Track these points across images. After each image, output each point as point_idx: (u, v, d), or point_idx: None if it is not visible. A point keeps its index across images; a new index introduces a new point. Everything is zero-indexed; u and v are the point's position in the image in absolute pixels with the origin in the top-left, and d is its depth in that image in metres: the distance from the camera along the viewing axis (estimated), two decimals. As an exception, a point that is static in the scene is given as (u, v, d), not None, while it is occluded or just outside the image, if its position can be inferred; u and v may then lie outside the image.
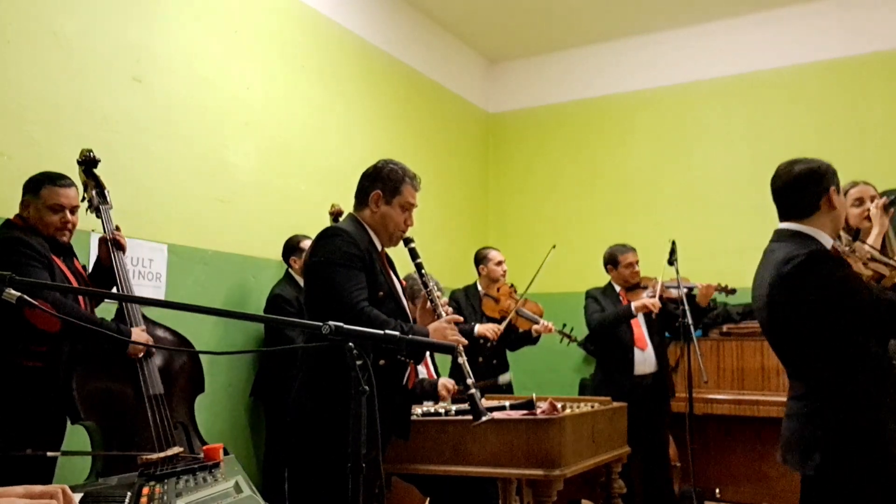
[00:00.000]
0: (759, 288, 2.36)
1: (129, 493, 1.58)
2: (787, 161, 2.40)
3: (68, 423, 2.88)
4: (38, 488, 1.27)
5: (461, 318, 2.73)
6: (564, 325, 4.73)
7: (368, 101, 5.46)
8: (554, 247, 4.78)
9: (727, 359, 5.36)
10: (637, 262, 4.62)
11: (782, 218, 2.39)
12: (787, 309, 2.24)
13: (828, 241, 2.30)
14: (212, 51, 4.20)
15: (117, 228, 3.06)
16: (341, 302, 2.46)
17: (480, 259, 4.81)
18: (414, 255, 2.82)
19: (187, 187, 3.99)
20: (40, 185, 2.81)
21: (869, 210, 2.89)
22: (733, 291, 4.68)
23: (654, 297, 4.42)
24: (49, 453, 2.49)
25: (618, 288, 4.66)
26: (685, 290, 4.47)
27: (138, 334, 2.84)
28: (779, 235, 2.37)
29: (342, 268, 2.51)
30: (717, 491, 5.24)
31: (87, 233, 3.33)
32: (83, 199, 3.03)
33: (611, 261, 4.68)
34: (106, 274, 3.03)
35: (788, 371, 2.37)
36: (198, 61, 4.10)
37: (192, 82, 4.06)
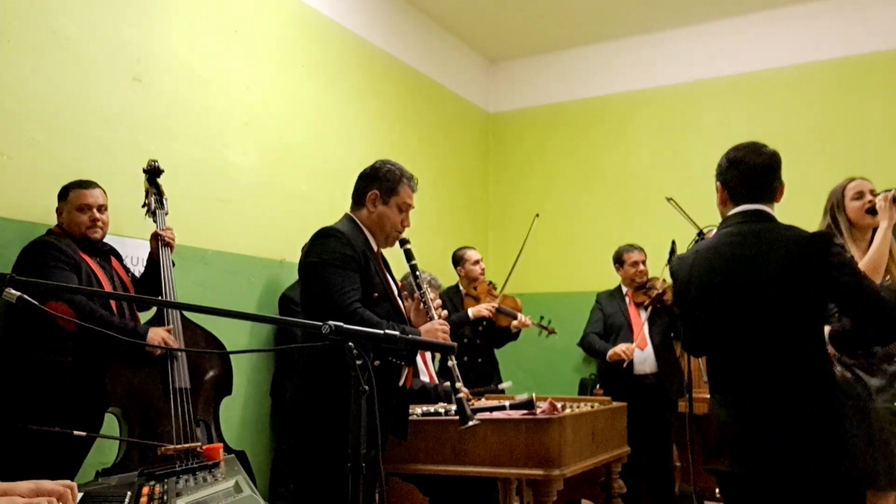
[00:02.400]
0: (759, 267, 2.19)
1: (129, 493, 1.58)
2: (748, 143, 2.34)
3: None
4: (48, 484, 1.26)
5: (447, 326, 2.75)
6: (542, 318, 4.77)
7: (368, 101, 5.46)
8: (538, 215, 4.80)
9: (727, 359, 5.34)
10: (643, 262, 4.69)
11: (751, 199, 2.29)
12: (810, 287, 2.14)
13: None
14: (212, 51, 4.19)
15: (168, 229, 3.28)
16: (334, 303, 2.46)
17: (457, 260, 4.85)
18: (409, 256, 2.84)
19: (187, 187, 3.99)
20: (68, 191, 3.03)
21: (872, 203, 2.89)
22: None
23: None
24: (75, 432, 2.54)
25: (625, 289, 4.72)
26: None
27: (157, 333, 2.94)
28: (757, 216, 2.27)
29: (336, 268, 2.52)
30: (718, 491, 5.23)
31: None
32: (143, 204, 3.31)
33: (617, 259, 4.75)
34: (157, 267, 3.22)
35: (770, 363, 2.16)
36: (198, 61, 4.10)
37: (192, 82, 4.06)
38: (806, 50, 5.87)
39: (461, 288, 4.79)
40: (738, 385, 2.21)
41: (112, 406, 2.90)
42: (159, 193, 3.34)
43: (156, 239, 3.23)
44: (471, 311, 4.52)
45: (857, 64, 5.69)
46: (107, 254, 3.10)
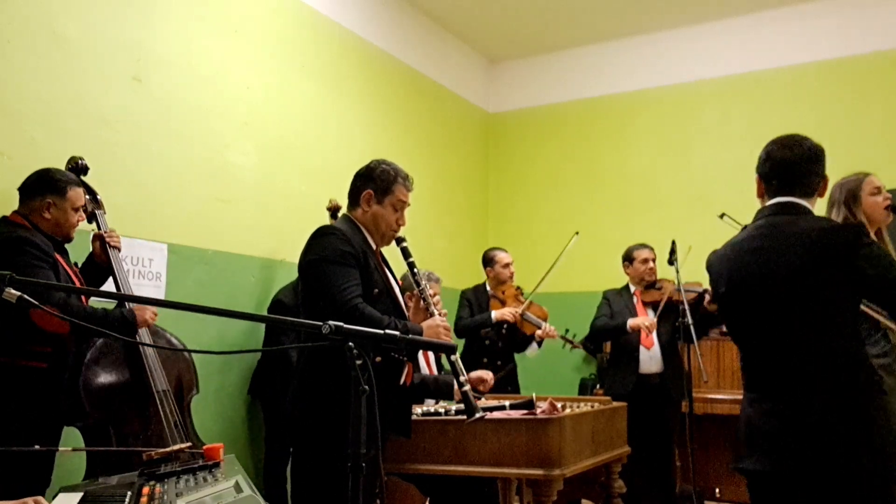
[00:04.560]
0: (774, 260, 2.13)
1: (129, 493, 1.58)
2: (787, 135, 2.30)
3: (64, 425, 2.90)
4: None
5: (449, 326, 2.75)
6: (567, 331, 4.74)
7: (368, 101, 5.46)
8: (577, 233, 4.78)
9: (727, 359, 5.36)
10: (653, 260, 4.66)
11: (782, 192, 2.24)
12: (830, 279, 2.06)
13: None
14: (212, 51, 4.19)
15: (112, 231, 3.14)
16: (335, 299, 2.47)
17: (488, 260, 4.82)
18: (406, 254, 2.86)
19: (187, 187, 3.99)
20: (65, 187, 2.86)
21: (889, 199, 2.86)
22: None
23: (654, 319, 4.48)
24: (61, 449, 2.53)
25: (633, 287, 4.69)
26: (696, 293, 4.48)
27: (144, 310, 2.91)
28: (785, 208, 2.21)
29: (336, 265, 2.52)
30: (717, 491, 5.24)
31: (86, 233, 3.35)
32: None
33: (627, 257, 4.73)
34: (100, 269, 3.08)
35: (793, 360, 2.10)
36: (198, 61, 4.10)
37: (192, 82, 4.06)
38: (806, 50, 5.87)
39: (488, 288, 4.78)
40: (763, 382, 2.17)
41: (90, 416, 2.81)
42: (92, 192, 3.12)
43: (99, 240, 3.07)
44: (494, 314, 4.49)
45: (857, 64, 5.69)
46: (66, 251, 2.97)
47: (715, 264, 2.32)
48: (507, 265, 4.74)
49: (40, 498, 1.29)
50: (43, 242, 2.74)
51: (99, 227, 3.12)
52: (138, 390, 2.90)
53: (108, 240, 3.07)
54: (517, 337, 4.64)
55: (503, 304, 4.65)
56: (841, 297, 2.07)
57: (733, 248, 2.28)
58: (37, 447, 2.47)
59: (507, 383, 4.60)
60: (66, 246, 2.96)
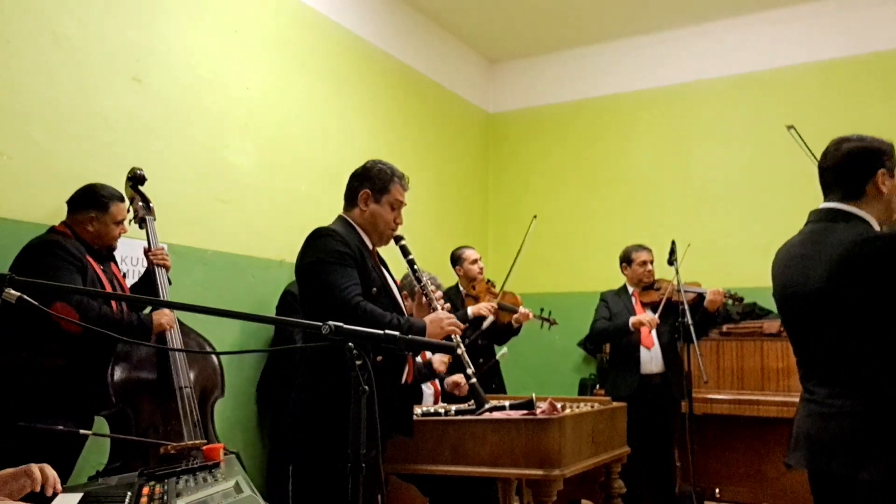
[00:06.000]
0: (807, 269, 2.12)
1: (129, 493, 1.58)
2: (839, 137, 2.23)
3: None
4: (9, 472, 1.26)
5: (453, 316, 2.76)
6: (542, 310, 4.74)
7: (368, 101, 5.46)
8: (535, 217, 4.80)
9: (727, 359, 5.36)
10: (651, 262, 4.67)
11: (827, 196, 2.22)
12: (859, 292, 2.01)
13: (876, 228, 2.12)
14: (212, 51, 4.19)
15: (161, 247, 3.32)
16: (337, 299, 2.47)
17: (456, 259, 4.82)
18: (405, 251, 2.86)
19: (187, 187, 3.99)
20: (108, 203, 3.03)
21: None
22: (741, 299, 4.70)
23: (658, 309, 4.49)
24: (81, 431, 2.60)
25: (631, 289, 4.70)
26: (695, 294, 4.50)
27: (159, 316, 3.03)
28: (827, 214, 2.18)
29: (335, 265, 2.53)
30: (717, 491, 5.25)
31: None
32: (127, 210, 3.27)
33: (625, 259, 4.73)
34: (151, 284, 3.25)
35: (827, 363, 2.11)
36: (198, 61, 4.10)
37: (192, 82, 4.06)
38: (806, 50, 5.87)
39: (461, 288, 4.78)
40: (807, 382, 2.19)
41: (113, 407, 2.89)
42: (145, 200, 3.35)
43: (149, 258, 3.26)
44: (470, 311, 4.44)
45: (856, 64, 5.70)
46: (109, 259, 3.11)
47: (773, 263, 2.34)
48: (475, 261, 4.75)
49: (45, 465, 1.30)
50: (75, 247, 2.86)
51: (148, 234, 3.29)
52: (162, 385, 2.99)
53: (151, 258, 3.23)
54: (496, 329, 4.62)
55: (476, 300, 4.65)
56: (869, 308, 2.02)
57: (784, 252, 2.29)
58: (60, 427, 2.57)
59: (490, 380, 4.59)
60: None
